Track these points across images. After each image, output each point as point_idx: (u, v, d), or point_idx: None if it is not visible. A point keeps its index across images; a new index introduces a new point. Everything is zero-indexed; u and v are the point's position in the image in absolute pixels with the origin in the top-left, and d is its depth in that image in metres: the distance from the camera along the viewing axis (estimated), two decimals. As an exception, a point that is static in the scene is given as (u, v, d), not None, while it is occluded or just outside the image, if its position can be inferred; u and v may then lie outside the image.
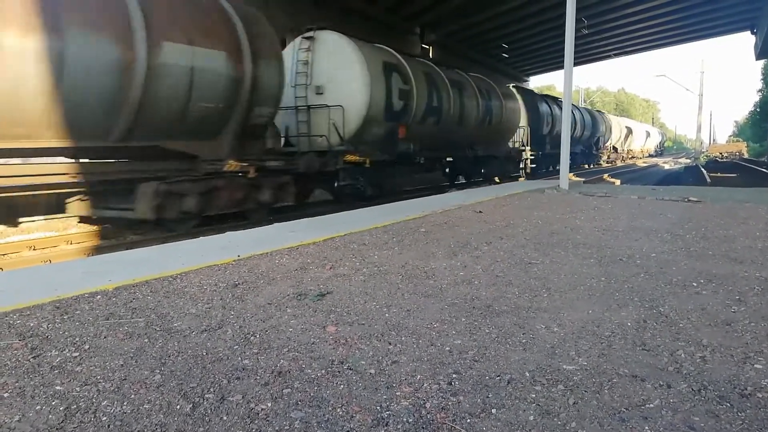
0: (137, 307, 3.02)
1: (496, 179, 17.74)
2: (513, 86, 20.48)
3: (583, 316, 2.92)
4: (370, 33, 14.73)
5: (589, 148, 30.41)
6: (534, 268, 4.05)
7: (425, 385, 2.10)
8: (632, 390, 2.04)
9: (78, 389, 2.03)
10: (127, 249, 5.72)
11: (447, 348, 2.47)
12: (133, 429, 1.76)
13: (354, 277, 3.75)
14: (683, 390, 2.04)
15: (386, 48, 12.26)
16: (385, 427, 1.79)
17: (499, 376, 2.18)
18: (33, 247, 7.04)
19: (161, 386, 2.06)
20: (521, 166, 20.14)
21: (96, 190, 7.53)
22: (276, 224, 6.65)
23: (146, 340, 2.53)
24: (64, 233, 8.04)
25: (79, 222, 8.43)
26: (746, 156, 48.47)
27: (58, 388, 2.04)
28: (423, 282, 3.63)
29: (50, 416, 1.83)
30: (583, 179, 16.54)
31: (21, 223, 8.22)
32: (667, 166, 38.66)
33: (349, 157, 10.60)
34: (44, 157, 6.60)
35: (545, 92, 30.02)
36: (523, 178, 19.24)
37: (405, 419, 1.84)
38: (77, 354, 2.35)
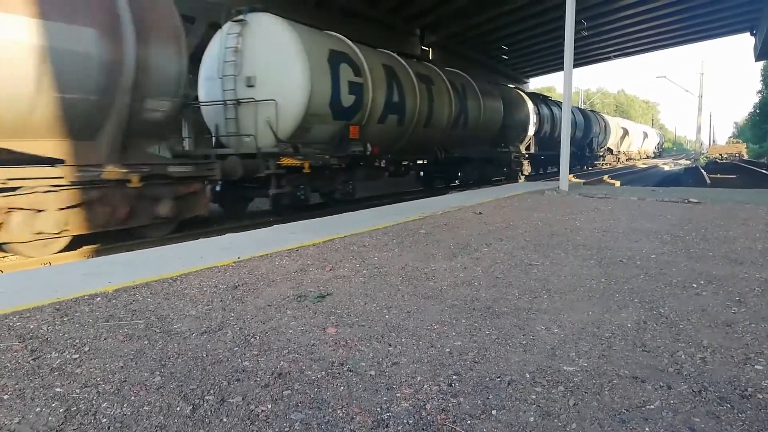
0: (137, 309, 3.02)
1: (499, 181, 17.11)
2: (489, 82, 18.57)
3: (583, 318, 2.91)
4: (370, 35, 14.76)
5: (581, 149, 28.74)
6: (534, 269, 4.05)
7: (425, 386, 2.10)
8: (633, 391, 2.04)
9: (78, 391, 2.03)
10: (126, 251, 5.71)
11: (447, 349, 2.47)
12: (133, 431, 1.76)
13: (354, 279, 3.74)
14: (684, 391, 2.04)
15: (336, 35, 10.78)
16: (386, 429, 1.79)
17: (499, 377, 2.17)
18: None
19: (161, 388, 2.06)
20: (518, 169, 18.95)
21: None
22: (276, 226, 6.65)
23: (146, 342, 2.53)
24: None
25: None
26: (746, 157, 48.43)
27: (57, 390, 2.04)
28: (423, 283, 3.63)
29: (50, 418, 1.83)
30: (582, 181, 16.54)
31: None
32: (666, 168, 38.70)
33: (285, 161, 9.09)
34: None
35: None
36: (522, 180, 19.16)
37: (405, 421, 1.83)
38: (77, 356, 2.35)
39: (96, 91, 6.59)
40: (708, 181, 19.58)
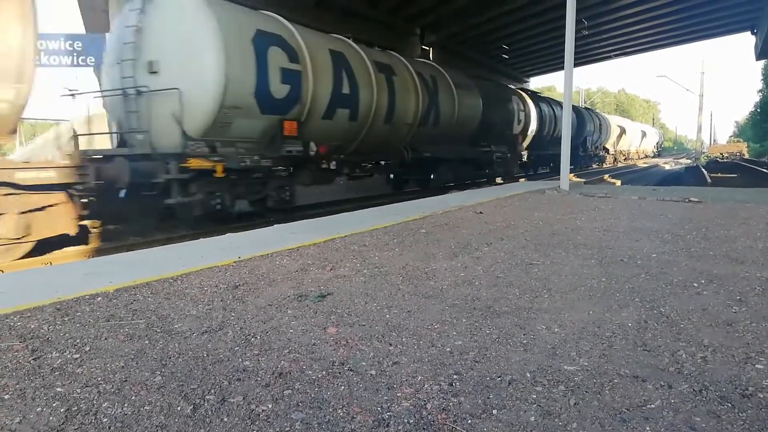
0: (138, 309, 3.02)
1: (481, 183, 15.72)
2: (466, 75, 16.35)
3: (584, 317, 2.91)
4: (370, 35, 14.73)
5: (574, 149, 25.84)
6: (535, 268, 4.05)
7: (426, 386, 2.10)
8: (633, 390, 2.04)
9: (79, 391, 2.03)
10: (127, 251, 5.72)
11: (448, 349, 2.47)
12: (133, 431, 1.77)
13: (354, 279, 3.75)
14: (684, 390, 2.04)
15: (269, 14, 9.09)
16: (386, 428, 1.79)
17: (500, 376, 2.17)
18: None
19: (162, 388, 2.06)
20: (501, 170, 17.03)
21: None
22: (276, 225, 6.65)
23: (147, 342, 2.53)
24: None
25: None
26: (747, 156, 48.34)
27: (58, 389, 2.04)
28: (424, 283, 3.63)
29: (51, 418, 1.83)
30: (583, 180, 16.53)
31: None
32: (667, 167, 38.63)
33: (192, 163, 7.38)
34: None
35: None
36: (524, 180, 19.13)
37: (406, 420, 1.83)
38: (78, 356, 2.35)
39: None
40: (709, 180, 19.56)
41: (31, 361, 2.29)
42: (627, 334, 2.64)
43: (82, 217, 7.36)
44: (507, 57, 30.18)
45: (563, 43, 11.30)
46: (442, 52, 24.12)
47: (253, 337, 2.61)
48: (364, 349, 2.46)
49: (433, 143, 13.23)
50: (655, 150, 59.71)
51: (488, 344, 2.53)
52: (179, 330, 2.70)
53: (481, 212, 7.31)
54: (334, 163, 10.16)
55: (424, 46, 23.31)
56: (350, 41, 10.78)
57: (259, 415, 1.87)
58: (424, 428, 1.79)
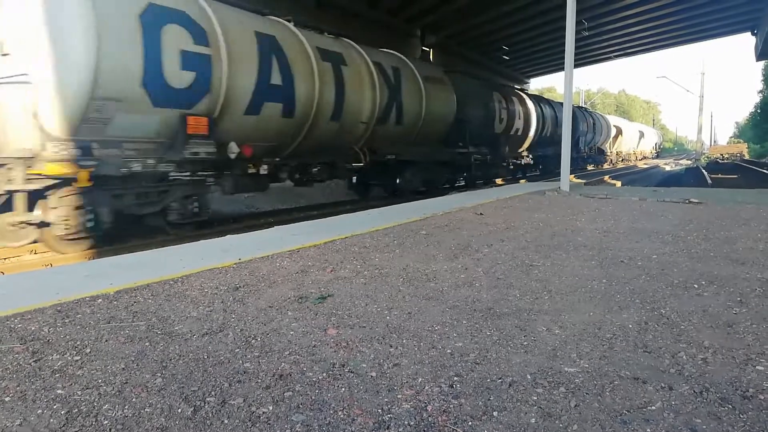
0: (138, 311, 3.02)
1: (459, 188, 14.40)
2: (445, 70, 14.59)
3: (585, 318, 2.91)
4: (370, 36, 14.71)
5: None
6: (535, 270, 4.05)
7: (427, 387, 2.10)
8: (634, 392, 2.04)
9: (79, 393, 2.03)
10: (128, 252, 5.72)
11: (448, 350, 2.47)
12: (134, 433, 1.77)
13: (355, 280, 3.75)
14: (685, 392, 2.04)
15: None
16: (387, 430, 1.79)
17: (500, 378, 2.17)
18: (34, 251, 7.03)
19: (162, 390, 2.06)
20: (480, 173, 15.54)
21: None
22: (277, 227, 6.64)
23: (147, 344, 2.53)
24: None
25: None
26: (747, 157, 48.36)
27: (59, 391, 2.04)
28: (424, 284, 3.63)
29: (52, 420, 1.83)
30: (584, 181, 16.53)
31: None
32: (668, 168, 38.62)
33: (49, 168, 5.82)
34: None
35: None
36: (518, 180, 19.09)
37: (406, 422, 1.83)
38: (78, 358, 2.36)
39: None
40: (709, 182, 19.55)
41: (32, 363, 2.29)
42: (627, 336, 2.64)
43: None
44: (507, 58, 30.19)
45: (563, 43, 11.31)
46: (443, 53, 24.15)
47: (253, 339, 2.61)
48: (365, 351, 2.46)
49: (396, 144, 11.63)
50: (654, 151, 59.29)
51: (489, 346, 2.53)
52: (180, 332, 2.70)
53: (481, 213, 7.30)
54: (265, 167, 8.50)
55: (424, 47, 23.34)
56: (289, 24, 8.97)
57: (259, 417, 1.87)
58: (424, 430, 1.79)
